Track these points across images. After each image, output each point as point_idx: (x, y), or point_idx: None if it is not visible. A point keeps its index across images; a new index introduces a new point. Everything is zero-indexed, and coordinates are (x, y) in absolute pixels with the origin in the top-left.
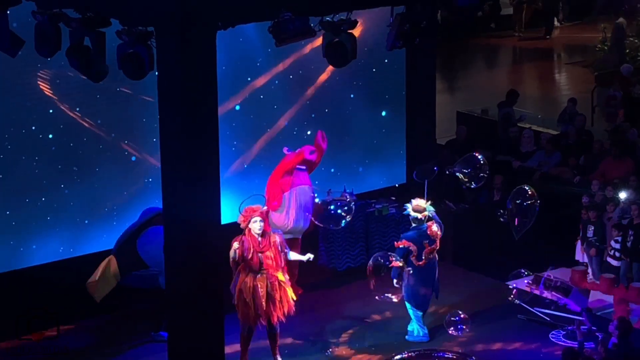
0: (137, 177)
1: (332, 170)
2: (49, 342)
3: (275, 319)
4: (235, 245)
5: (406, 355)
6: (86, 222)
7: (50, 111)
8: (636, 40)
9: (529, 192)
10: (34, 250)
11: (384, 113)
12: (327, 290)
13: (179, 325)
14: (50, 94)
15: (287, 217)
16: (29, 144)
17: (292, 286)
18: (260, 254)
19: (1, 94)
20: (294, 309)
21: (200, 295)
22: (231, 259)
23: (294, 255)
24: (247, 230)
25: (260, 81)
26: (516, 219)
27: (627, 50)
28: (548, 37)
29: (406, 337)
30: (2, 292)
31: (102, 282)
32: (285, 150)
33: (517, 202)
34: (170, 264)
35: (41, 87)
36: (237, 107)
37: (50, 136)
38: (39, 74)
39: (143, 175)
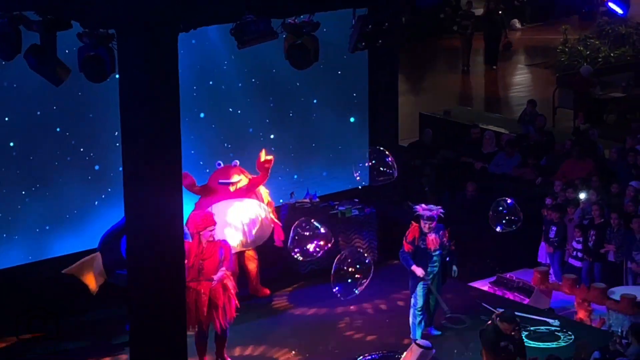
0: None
1: (295, 176)
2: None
3: (218, 326)
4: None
5: (369, 357)
6: (47, 228)
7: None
8: (597, 42)
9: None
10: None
11: (352, 119)
12: (289, 292)
13: (142, 330)
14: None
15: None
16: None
17: (257, 288)
18: (202, 261)
19: None
20: (235, 315)
21: (163, 297)
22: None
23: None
24: (195, 236)
25: (224, 85)
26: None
27: (588, 52)
28: (494, 67)
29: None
30: None
31: (85, 270)
32: (217, 164)
33: None
34: (133, 267)
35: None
36: (202, 115)
37: (12, 144)
38: None
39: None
